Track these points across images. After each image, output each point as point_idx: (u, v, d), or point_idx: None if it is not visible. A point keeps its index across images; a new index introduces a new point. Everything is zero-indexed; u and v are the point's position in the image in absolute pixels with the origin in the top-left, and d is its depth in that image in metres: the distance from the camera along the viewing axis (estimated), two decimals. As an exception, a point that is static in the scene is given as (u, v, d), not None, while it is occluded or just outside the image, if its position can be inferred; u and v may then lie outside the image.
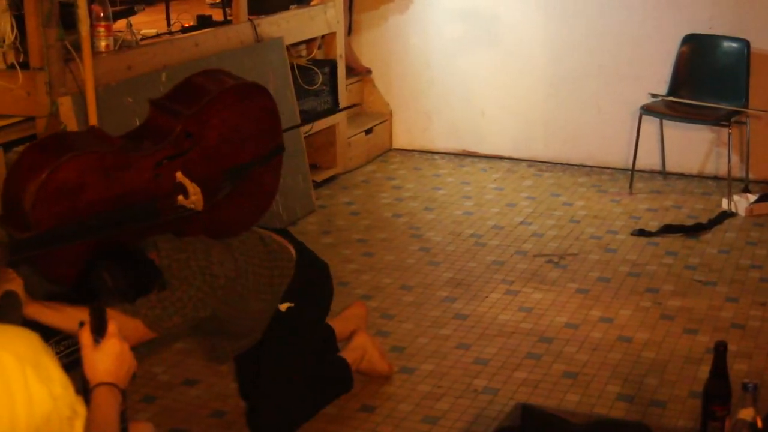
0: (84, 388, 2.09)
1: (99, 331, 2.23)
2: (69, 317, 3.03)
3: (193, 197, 3.49)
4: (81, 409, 1.81)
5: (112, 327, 2.24)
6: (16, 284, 2.94)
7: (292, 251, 3.78)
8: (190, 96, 3.63)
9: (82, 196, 3.26)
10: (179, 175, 3.48)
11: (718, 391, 3.00)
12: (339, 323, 4.14)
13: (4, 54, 4.43)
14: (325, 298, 3.93)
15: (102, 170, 3.30)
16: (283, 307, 3.72)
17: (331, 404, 3.96)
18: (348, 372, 4.00)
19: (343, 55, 6.74)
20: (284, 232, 3.98)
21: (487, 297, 4.91)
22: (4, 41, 4.41)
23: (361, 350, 4.07)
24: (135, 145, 3.49)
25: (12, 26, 4.41)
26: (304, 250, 3.87)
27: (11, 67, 4.43)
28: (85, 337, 2.22)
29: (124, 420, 2.18)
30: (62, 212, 3.23)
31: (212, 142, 3.58)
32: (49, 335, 3.21)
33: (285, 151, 3.87)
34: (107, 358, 2.20)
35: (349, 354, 4.04)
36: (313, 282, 3.83)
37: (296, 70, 6.19)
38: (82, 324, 2.24)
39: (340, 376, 3.98)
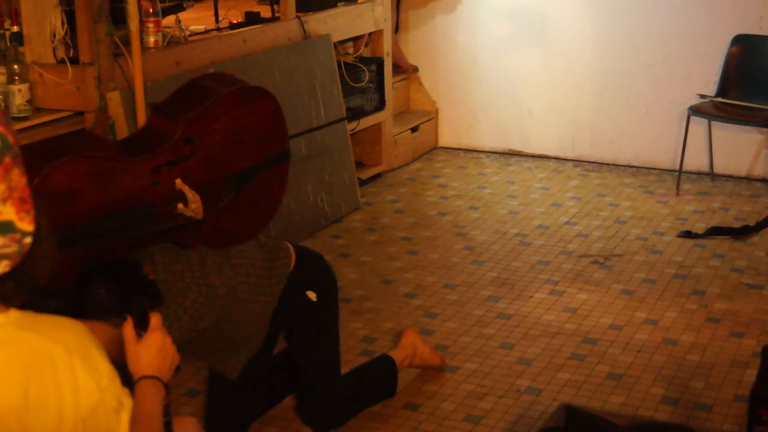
0: (128, 382, 2.11)
1: (142, 325, 2.24)
2: None
3: (193, 205, 3.33)
4: (127, 401, 1.83)
5: (154, 321, 2.25)
6: None
7: (289, 247, 3.69)
8: (190, 100, 3.48)
9: (75, 202, 3.12)
10: (179, 182, 3.33)
11: (765, 395, 2.97)
12: None
13: (54, 49, 4.48)
14: (334, 285, 3.84)
15: (95, 175, 3.16)
16: (312, 296, 3.67)
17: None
18: (394, 375, 4.01)
19: (390, 53, 6.75)
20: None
21: (531, 297, 4.90)
22: (54, 36, 4.46)
23: (411, 347, 4.10)
24: (132, 150, 3.33)
25: (62, 21, 4.46)
26: (298, 246, 3.79)
27: (61, 61, 4.48)
28: (128, 331, 2.23)
29: (168, 413, 2.19)
30: (54, 218, 2.99)
31: (213, 148, 3.42)
32: None
33: (291, 158, 3.67)
34: (150, 351, 2.21)
35: (399, 352, 4.06)
36: (318, 270, 3.76)
37: (343, 67, 6.21)
38: (125, 318, 2.25)
39: (386, 378, 4.00)
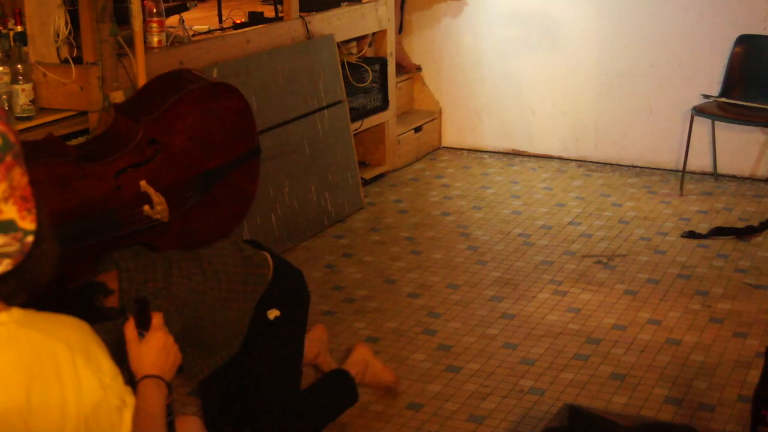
0: (130, 382, 2.10)
1: (143, 325, 2.24)
2: None
3: (159, 207, 3.27)
4: (130, 399, 1.82)
5: (156, 320, 2.25)
6: None
7: (268, 257, 3.57)
8: (153, 99, 3.39)
9: None
10: (143, 184, 3.26)
11: (768, 396, 2.96)
12: None
13: (58, 49, 4.48)
14: (306, 303, 3.70)
15: (55, 182, 3.09)
16: (271, 315, 3.52)
17: (377, 401, 3.98)
18: (352, 383, 3.83)
19: (394, 53, 6.74)
20: (254, 242, 3.74)
21: (534, 297, 4.89)
22: (58, 36, 4.46)
23: (362, 363, 3.92)
24: (94, 154, 3.25)
25: (66, 21, 4.46)
26: (277, 256, 3.66)
27: (65, 61, 4.47)
28: (130, 330, 2.23)
29: (171, 413, 2.19)
30: None
31: (179, 148, 3.35)
32: None
33: (261, 154, 3.61)
34: (152, 351, 2.21)
35: (351, 367, 3.88)
36: (292, 287, 3.63)
37: (347, 67, 6.20)
38: (127, 318, 2.25)
39: (344, 388, 3.83)
